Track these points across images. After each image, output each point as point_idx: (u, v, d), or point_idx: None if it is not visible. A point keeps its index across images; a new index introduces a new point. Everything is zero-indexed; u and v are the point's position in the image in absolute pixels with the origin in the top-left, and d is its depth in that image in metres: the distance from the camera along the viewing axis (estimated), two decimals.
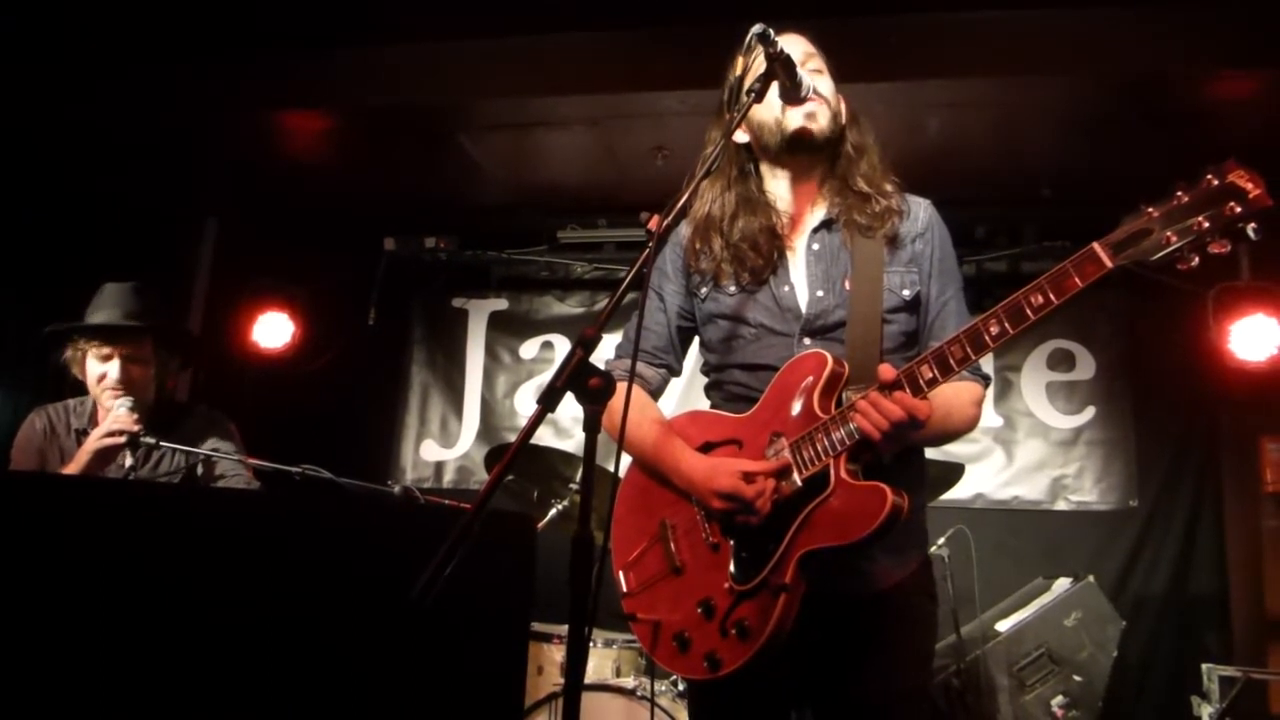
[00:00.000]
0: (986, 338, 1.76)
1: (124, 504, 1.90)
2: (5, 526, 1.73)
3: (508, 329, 5.93)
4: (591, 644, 3.62)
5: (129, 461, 2.82)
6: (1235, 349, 4.57)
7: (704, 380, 2.25)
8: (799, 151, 2.09)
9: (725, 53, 2.11)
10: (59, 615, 1.70)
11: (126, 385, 2.94)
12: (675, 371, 2.28)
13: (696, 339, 2.28)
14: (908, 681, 1.99)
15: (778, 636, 1.85)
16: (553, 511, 3.74)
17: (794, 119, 2.04)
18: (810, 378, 1.94)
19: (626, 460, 2.19)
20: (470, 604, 1.67)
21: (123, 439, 2.78)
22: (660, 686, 3.38)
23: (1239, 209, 1.58)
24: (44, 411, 3.08)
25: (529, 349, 5.88)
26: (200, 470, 3.04)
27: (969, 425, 2.05)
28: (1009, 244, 5.23)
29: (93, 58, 4.41)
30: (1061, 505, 5.15)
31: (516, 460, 1.54)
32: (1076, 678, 4.03)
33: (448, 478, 5.81)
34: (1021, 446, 5.25)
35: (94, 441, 2.79)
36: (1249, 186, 1.58)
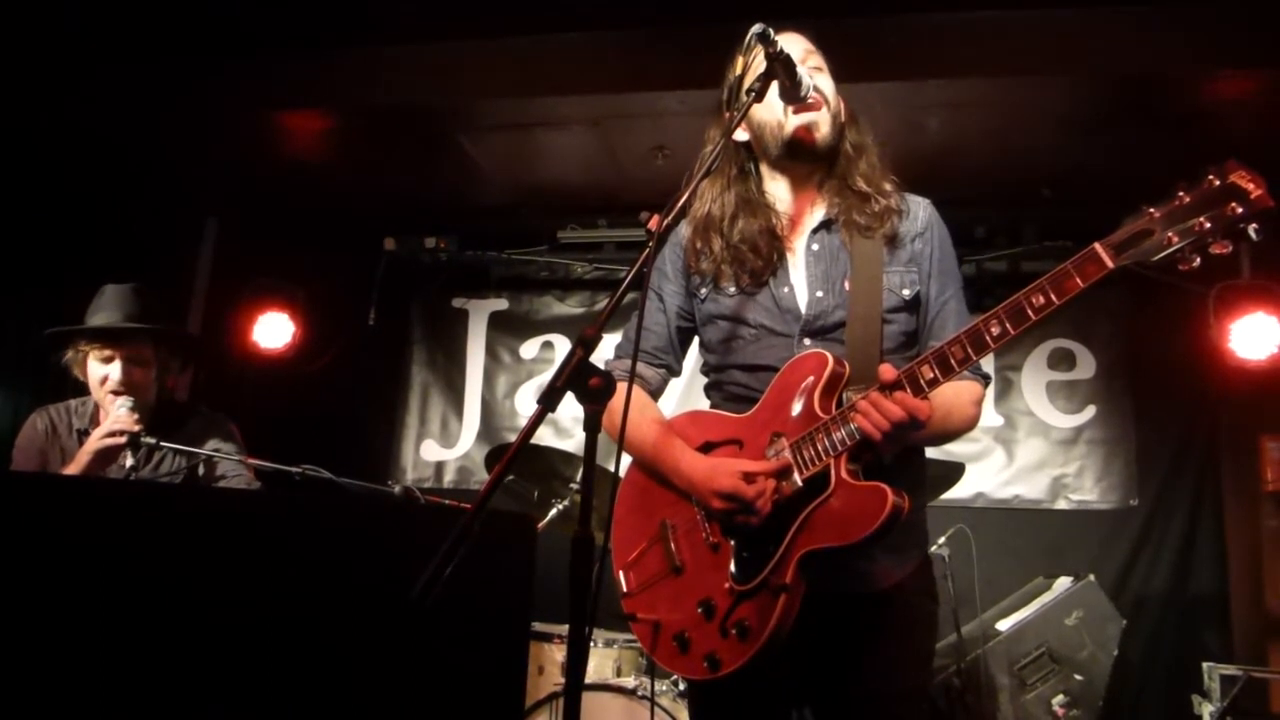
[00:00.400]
0: (987, 338, 1.76)
1: (125, 504, 1.90)
2: (6, 526, 1.73)
3: (508, 329, 5.93)
4: (592, 644, 3.62)
5: (130, 462, 2.82)
6: (1236, 348, 4.57)
7: (704, 380, 2.25)
8: (799, 158, 2.09)
9: (725, 53, 2.11)
10: (60, 615, 1.70)
11: (128, 386, 2.94)
12: (675, 372, 2.28)
13: (696, 339, 2.28)
14: (908, 681, 1.99)
15: (778, 637, 1.85)
16: (553, 511, 3.74)
17: (794, 126, 2.04)
18: (811, 378, 1.94)
19: (627, 460, 2.19)
20: (470, 604, 1.67)
21: (123, 439, 2.79)
22: (661, 686, 3.38)
23: (1240, 209, 1.57)
24: (45, 412, 3.08)
25: (529, 349, 5.88)
26: (201, 470, 3.04)
27: (969, 425, 2.05)
28: (1009, 244, 5.23)
29: (93, 58, 4.41)
30: (1062, 504, 5.15)
31: (517, 460, 1.54)
32: (1077, 677, 4.03)
33: (448, 478, 5.81)
34: (1022, 446, 5.26)
35: (95, 442, 2.79)
36: (1250, 187, 1.57)
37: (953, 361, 1.79)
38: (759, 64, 1.91)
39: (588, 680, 3.29)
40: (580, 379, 1.54)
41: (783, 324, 2.07)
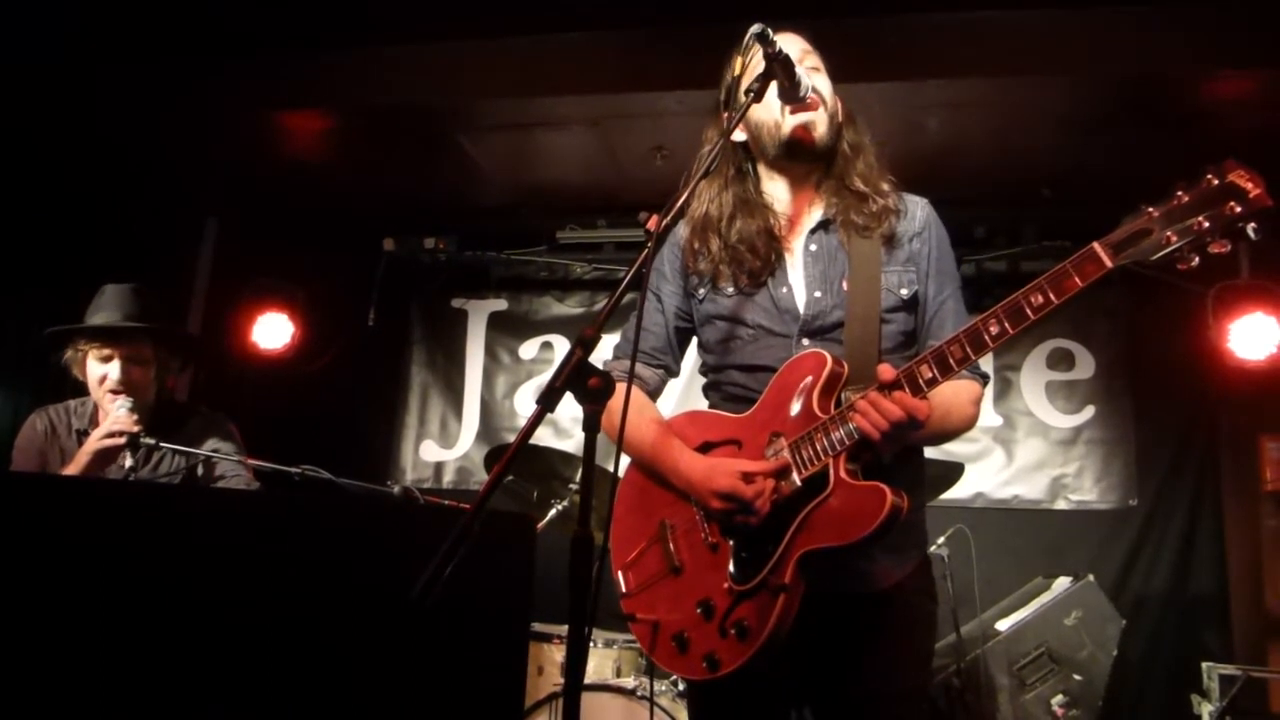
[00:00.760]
0: (986, 337, 1.76)
1: (124, 505, 1.90)
2: (6, 527, 1.73)
3: (507, 329, 5.93)
4: (591, 644, 3.62)
5: (129, 462, 2.82)
6: (1235, 348, 4.57)
7: (703, 381, 2.25)
8: (797, 158, 2.09)
9: (724, 53, 2.11)
10: (59, 615, 1.70)
11: (127, 386, 2.94)
12: (673, 372, 2.28)
13: (695, 340, 2.28)
14: (907, 681, 2.00)
15: (777, 637, 1.85)
16: (552, 511, 3.74)
17: (792, 128, 2.04)
18: (809, 378, 1.94)
19: (625, 460, 2.19)
20: (470, 604, 1.67)
21: (123, 440, 2.79)
22: (660, 686, 3.38)
23: (1239, 208, 1.57)
24: (45, 412, 3.08)
25: (528, 349, 5.88)
26: (200, 471, 3.04)
27: (968, 424, 2.05)
28: (1008, 244, 5.23)
29: (92, 58, 4.41)
30: (1061, 504, 5.15)
31: (516, 460, 1.54)
32: (1077, 677, 4.03)
33: (447, 478, 5.81)
34: (1021, 446, 5.26)
35: (94, 442, 2.79)
36: (1249, 186, 1.57)
37: (951, 361, 1.79)
38: (757, 64, 1.92)
39: (587, 680, 3.29)
40: (579, 379, 1.54)
41: (781, 324, 2.07)
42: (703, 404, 2.22)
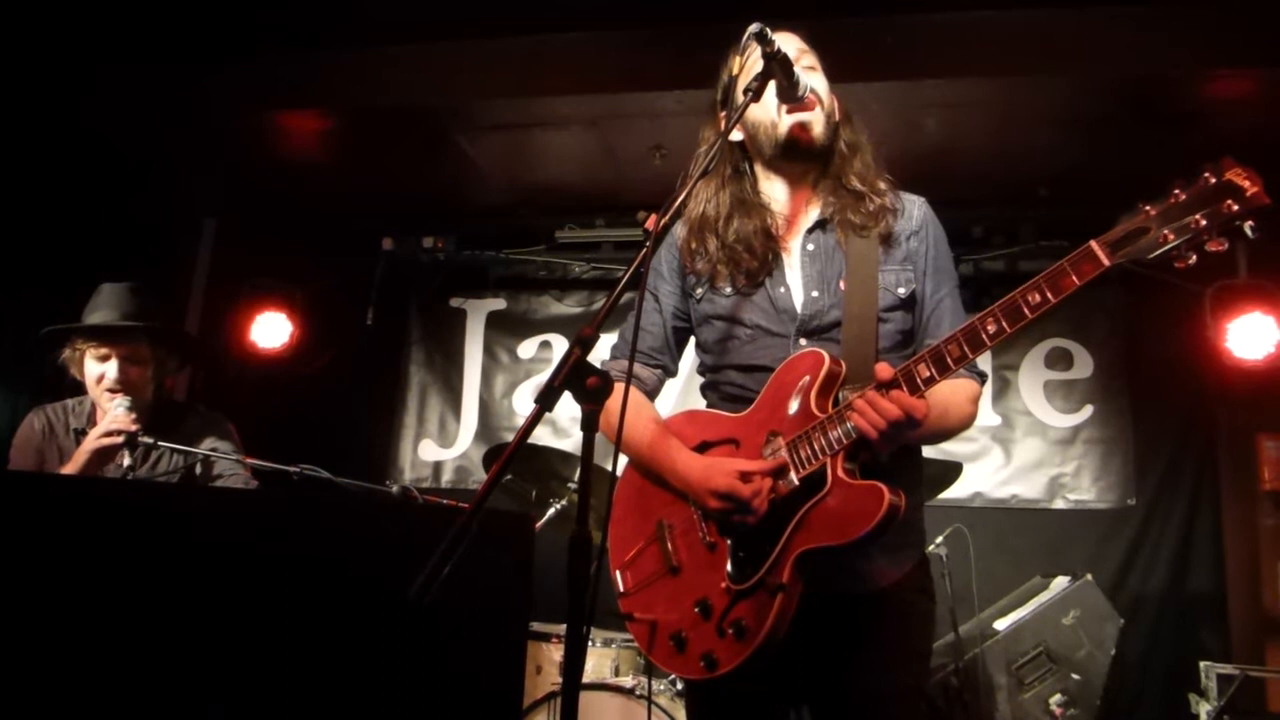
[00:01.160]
0: (984, 336, 1.76)
1: (122, 504, 1.90)
2: (4, 526, 1.73)
3: (506, 329, 5.93)
4: (590, 643, 3.62)
5: (127, 461, 2.82)
6: (1233, 347, 4.57)
7: (701, 381, 2.25)
8: (794, 158, 2.09)
9: (722, 52, 2.11)
10: (58, 615, 1.70)
11: (124, 385, 2.94)
12: (671, 372, 2.29)
13: (693, 340, 2.28)
14: (905, 680, 2.00)
15: (775, 636, 1.85)
16: (551, 511, 3.75)
17: (788, 128, 2.04)
18: (807, 377, 1.94)
19: (624, 460, 2.19)
20: (468, 603, 1.67)
21: (121, 439, 2.78)
22: (659, 686, 3.38)
23: (1236, 206, 1.58)
24: (42, 411, 3.08)
25: (527, 349, 5.88)
26: (198, 470, 3.04)
27: (966, 423, 2.05)
28: (1006, 243, 5.24)
29: (93, 58, 4.41)
30: (1059, 504, 5.16)
31: (514, 460, 1.54)
32: (1075, 676, 4.03)
33: (446, 477, 5.81)
34: (1020, 445, 5.26)
35: (92, 441, 2.79)
36: (1246, 184, 1.57)
37: (949, 360, 1.79)
38: (755, 63, 1.92)
39: (586, 680, 3.30)
40: (577, 379, 1.54)
41: (779, 324, 2.07)
42: (701, 404, 2.22)
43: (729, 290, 2.13)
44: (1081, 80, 4.11)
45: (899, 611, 2.00)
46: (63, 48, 4.36)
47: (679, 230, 2.21)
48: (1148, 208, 1.65)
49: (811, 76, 2.07)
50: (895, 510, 1.78)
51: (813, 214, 2.14)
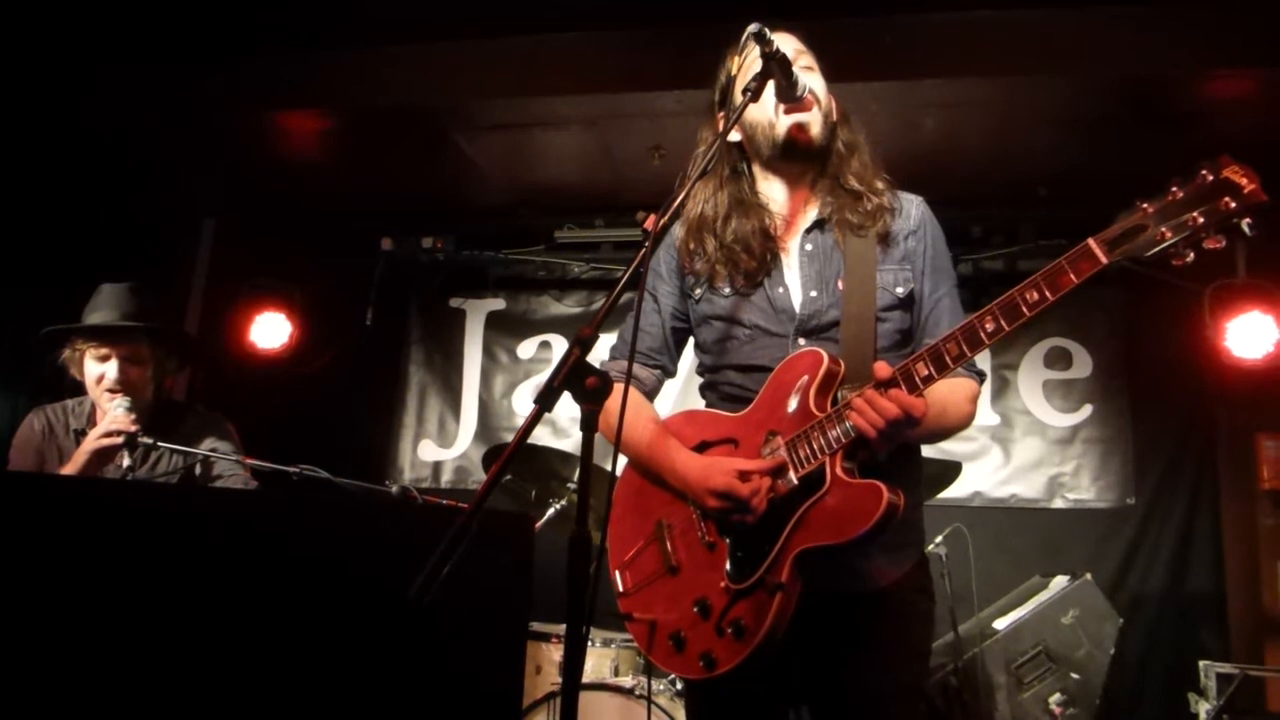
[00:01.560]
0: (982, 334, 1.77)
1: (122, 504, 1.90)
2: (4, 527, 1.73)
3: (505, 329, 5.93)
4: (590, 643, 3.62)
5: (127, 462, 2.82)
6: (1232, 346, 4.57)
7: (700, 381, 2.26)
8: (792, 158, 2.09)
9: (721, 52, 2.11)
10: (58, 615, 1.70)
11: (124, 386, 2.94)
12: (670, 373, 2.29)
13: (691, 340, 2.28)
14: (904, 679, 2.00)
15: (774, 635, 1.85)
16: (550, 511, 3.75)
17: (787, 128, 2.04)
18: (805, 376, 1.94)
19: (623, 460, 2.20)
20: (468, 603, 1.67)
21: (120, 439, 2.78)
22: (658, 686, 3.38)
23: (1234, 204, 1.58)
24: (42, 412, 3.08)
25: (526, 349, 5.88)
26: (198, 470, 3.04)
27: (965, 422, 2.05)
28: (1005, 243, 5.24)
29: (91, 58, 4.41)
30: (1059, 503, 5.16)
31: (514, 460, 1.54)
32: (1074, 675, 4.03)
33: (445, 477, 5.81)
34: (1019, 445, 5.26)
35: (92, 442, 2.79)
36: (1244, 182, 1.58)
37: (948, 358, 1.79)
38: (754, 63, 1.92)
39: (585, 680, 3.30)
40: (577, 379, 1.55)
41: (777, 324, 2.08)
42: (700, 404, 2.22)
43: (727, 290, 2.13)
44: (1081, 80, 4.11)
45: (898, 611, 2.00)
46: (62, 47, 4.36)
47: (677, 231, 2.21)
48: (1145, 205, 1.66)
49: (809, 77, 2.07)
50: (894, 509, 1.78)
51: (811, 214, 2.14)
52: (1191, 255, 1.62)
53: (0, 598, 1.69)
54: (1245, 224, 1.57)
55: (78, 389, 3.09)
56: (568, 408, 1.51)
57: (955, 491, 4.49)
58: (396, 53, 4.38)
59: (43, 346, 3.04)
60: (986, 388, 4.81)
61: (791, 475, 1.90)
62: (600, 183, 5.20)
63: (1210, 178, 1.61)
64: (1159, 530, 5.02)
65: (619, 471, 2.19)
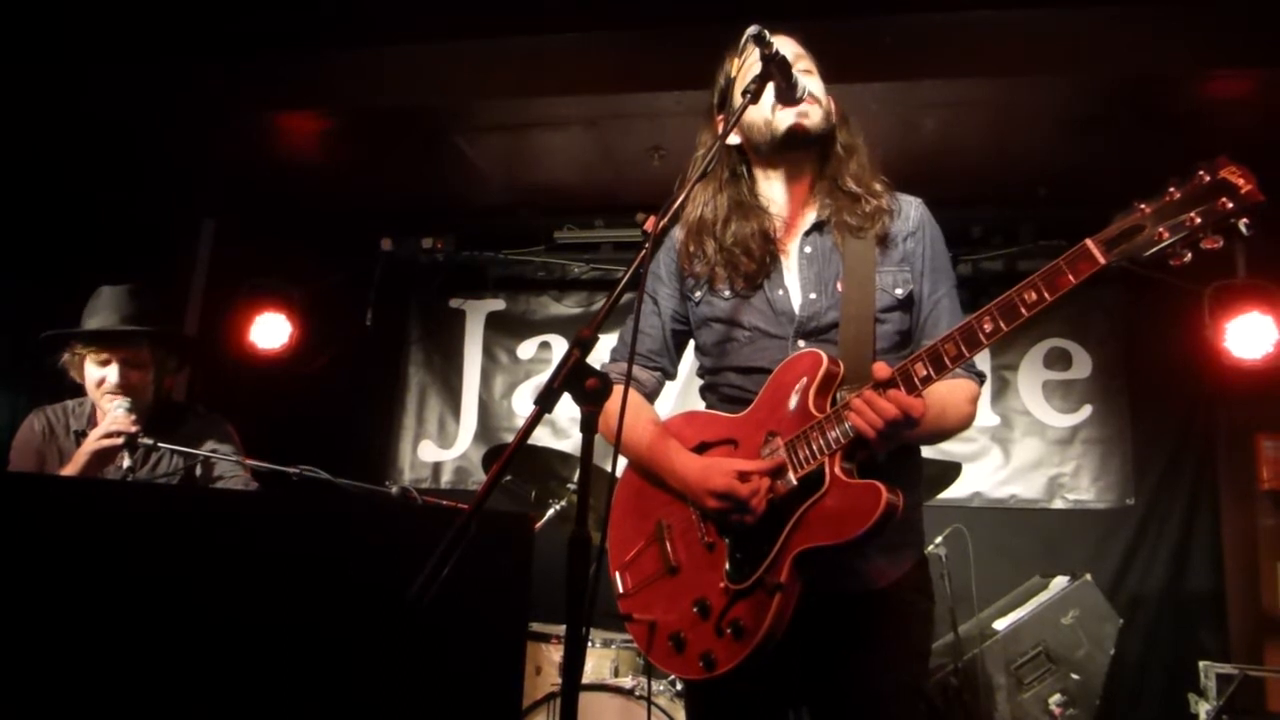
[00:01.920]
0: (981, 335, 1.77)
1: (122, 505, 1.90)
2: (4, 528, 1.73)
3: (505, 329, 5.93)
4: (590, 644, 3.62)
5: (127, 463, 2.82)
6: (1231, 347, 4.57)
7: (700, 383, 2.26)
8: (793, 148, 2.09)
9: (721, 53, 2.11)
10: (57, 616, 1.71)
11: (125, 389, 2.94)
12: (670, 375, 2.29)
13: (691, 342, 2.29)
14: (903, 679, 2.00)
15: (773, 635, 1.85)
16: (550, 511, 3.75)
17: (786, 118, 2.05)
18: (805, 377, 1.95)
19: (623, 462, 2.20)
20: (468, 604, 1.67)
21: (120, 440, 2.78)
22: (658, 686, 3.38)
23: (1231, 204, 1.58)
24: (42, 413, 3.08)
25: (526, 349, 5.88)
26: (198, 471, 3.04)
27: (964, 423, 2.06)
28: (1005, 243, 5.24)
29: (89, 58, 4.41)
30: (1059, 504, 5.16)
31: (514, 460, 1.55)
32: (1074, 676, 4.03)
33: (445, 478, 5.81)
34: (1018, 445, 5.26)
35: (92, 443, 2.79)
36: (1240, 182, 1.58)
37: (946, 359, 1.80)
38: (753, 65, 1.92)
39: (585, 680, 3.30)
40: (576, 380, 1.55)
41: (777, 326, 2.08)
42: (700, 406, 2.22)
43: (727, 293, 2.13)
44: (1080, 80, 4.11)
45: (898, 611, 2.00)
46: (61, 47, 4.36)
47: (677, 233, 2.22)
48: (1143, 206, 1.66)
49: (808, 80, 2.08)
50: (893, 509, 1.78)
51: (810, 216, 2.14)
52: (1189, 255, 1.63)
53: (1, 599, 1.69)
54: (1242, 224, 1.58)
55: (78, 389, 3.09)
56: (567, 408, 1.51)
57: (955, 492, 4.49)
58: (396, 53, 4.38)
59: (42, 350, 3.04)
60: (986, 388, 4.80)
61: (791, 476, 1.91)
62: (600, 183, 5.20)
63: (1207, 178, 1.61)
64: (1159, 531, 5.02)
65: (619, 473, 2.20)
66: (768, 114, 2.06)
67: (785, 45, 2.08)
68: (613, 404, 1.63)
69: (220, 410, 3.27)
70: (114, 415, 2.86)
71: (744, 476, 1.92)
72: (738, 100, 1.95)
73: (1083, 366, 5.27)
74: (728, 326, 2.13)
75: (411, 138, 4.78)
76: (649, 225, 1.76)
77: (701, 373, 2.25)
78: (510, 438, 4.87)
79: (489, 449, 4.81)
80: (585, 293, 5.88)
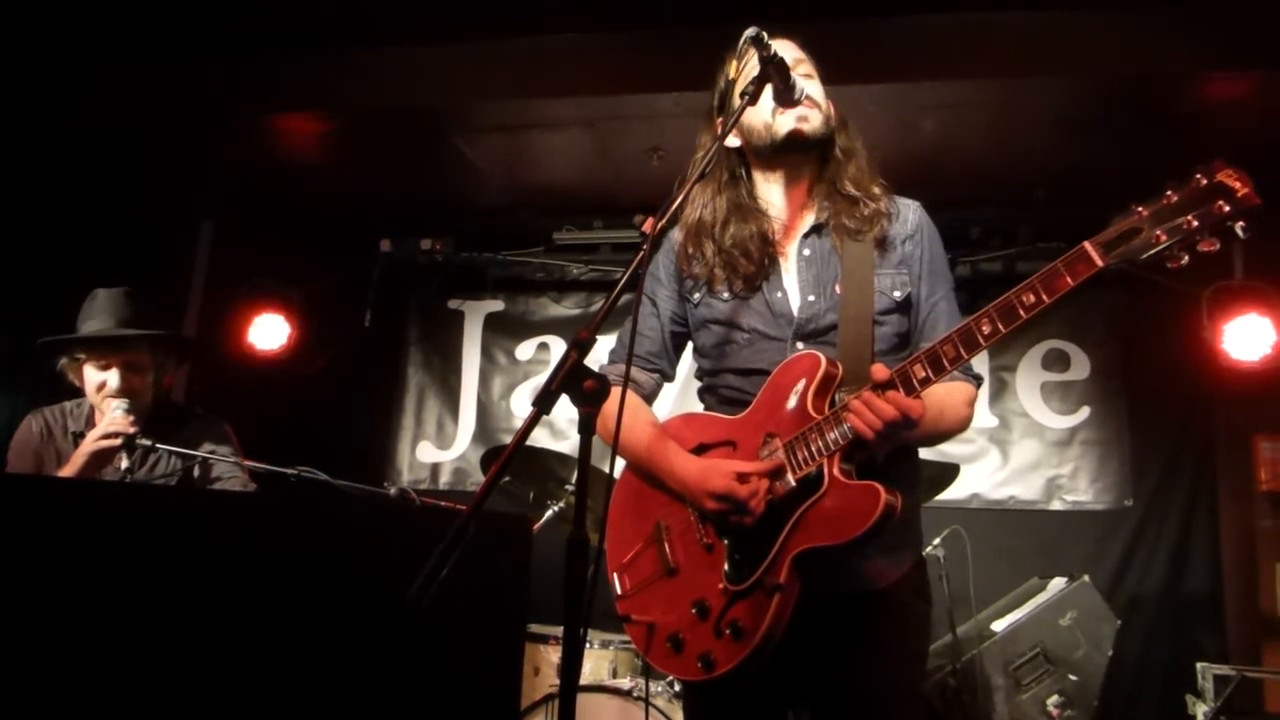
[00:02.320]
0: (979, 337, 1.77)
1: (120, 507, 1.90)
2: (2, 529, 1.73)
3: (504, 330, 5.93)
4: (588, 645, 3.62)
5: (125, 464, 2.82)
6: (1229, 348, 4.57)
7: (698, 385, 2.26)
8: (792, 152, 2.10)
9: (720, 54, 2.12)
10: (56, 618, 1.71)
11: (126, 393, 2.93)
12: (668, 376, 2.29)
13: (690, 344, 2.29)
14: (901, 680, 2.00)
15: (772, 636, 1.85)
16: (549, 513, 3.75)
17: (786, 122, 2.05)
18: (803, 379, 1.95)
19: (621, 463, 2.20)
20: (466, 605, 1.67)
21: (119, 441, 2.78)
22: (656, 687, 3.38)
23: (1227, 207, 1.59)
24: (40, 414, 3.08)
25: (525, 350, 5.88)
26: (196, 472, 3.04)
27: (961, 425, 2.06)
28: (1003, 245, 5.24)
29: (89, 59, 4.41)
30: (1057, 505, 5.16)
31: (512, 461, 1.55)
32: (1072, 677, 4.04)
33: (444, 479, 5.81)
34: (1017, 447, 5.26)
35: (90, 444, 2.78)
36: (1237, 185, 1.59)
37: (944, 360, 1.80)
38: (752, 68, 1.93)
39: (584, 681, 3.30)
40: (574, 382, 1.55)
41: (775, 328, 2.08)
42: (698, 408, 2.22)
43: (726, 295, 2.13)
44: (1078, 81, 4.11)
45: (894, 612, 2.00)
46: (60, 48, 4.35)
47: (676, 235, 2.22)
48: (1140, 209, 1.67)
49: (809, 84, 2.08)
50: (891, 510, 1.78)
51: (809, 219, 2.15)
52: (1186, 258, 1.64)
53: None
54: (1239, 227, 1.59)
55: (76, 391, 3.09)
56: (566, 409, 1.51)
57: (953, 493, 4.50)
58: (395, 54, 4.38)
59: (41, 355, 3.03)
60: (984, 390, 4.81)
61: (789, 477, 1.91)
62: (599, 184, 5.20)
63: (1204, 181, 1.62)
64: (1157, 532, 5.02)
65: (617, 474, 2.20)
66: (767, 117, 2.06)
67: (786, 49, 2.08)
68: (611, 405, 1.63)
69: (219, 411, 3.27)
70: (112, 416, 2.85)
71: (743, 478, 1.92)
72: (736, 102, 1.95)
73: (1081, 368, 5.27)
74: (726, 328, 2.13)
75: (411, 139, 4.78)
76: (647, 227, 1.76)
77: (700, 374, 2.25)
78: (509, 439, 4.87)
79: (487, 450, 4.81)
80: (584, 294, 5.88)
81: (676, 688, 3.36)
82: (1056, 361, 5.30)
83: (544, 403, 1.51)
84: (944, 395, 1.99)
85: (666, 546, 2.07)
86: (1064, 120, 4.35)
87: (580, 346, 1.56)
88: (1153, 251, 1.64)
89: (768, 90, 1.96)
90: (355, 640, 1.81)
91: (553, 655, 3.65)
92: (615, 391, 1.65)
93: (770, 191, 2.17)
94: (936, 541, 4.19)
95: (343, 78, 4.47)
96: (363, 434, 5.87)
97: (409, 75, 4.43)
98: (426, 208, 5.60)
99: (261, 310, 5.41)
